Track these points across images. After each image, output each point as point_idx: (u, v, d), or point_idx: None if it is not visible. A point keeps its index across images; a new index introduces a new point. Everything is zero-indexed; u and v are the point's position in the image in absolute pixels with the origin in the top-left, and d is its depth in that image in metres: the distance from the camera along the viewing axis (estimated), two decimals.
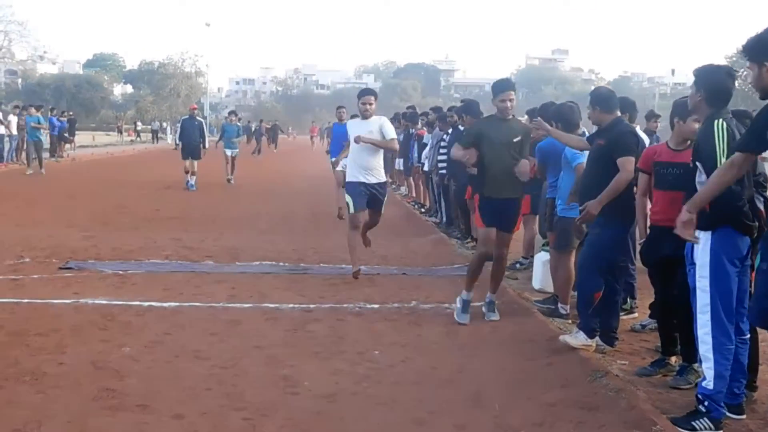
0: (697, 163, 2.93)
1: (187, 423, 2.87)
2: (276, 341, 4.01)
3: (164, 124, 44.31)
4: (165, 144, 35.29)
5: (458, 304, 4.57)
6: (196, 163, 12.62)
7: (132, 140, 38.77)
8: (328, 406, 3.10)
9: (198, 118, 13.50)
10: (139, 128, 42.82)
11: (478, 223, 4.64)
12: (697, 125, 3.46)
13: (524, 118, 7.54)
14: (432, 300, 5.08)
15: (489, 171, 4.50)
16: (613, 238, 4.03)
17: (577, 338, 3.98)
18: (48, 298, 4.81)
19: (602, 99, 4.13)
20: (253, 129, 30.97)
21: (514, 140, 4.44)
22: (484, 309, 4.61)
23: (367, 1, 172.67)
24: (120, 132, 41.32)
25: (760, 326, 2.88)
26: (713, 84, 2.96)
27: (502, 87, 4.50)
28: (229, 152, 13.98)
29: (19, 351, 3.69)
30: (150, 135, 40.77)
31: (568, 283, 4.69)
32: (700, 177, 2.91)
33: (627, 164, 3.90)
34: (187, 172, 12.72)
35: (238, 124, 15.49)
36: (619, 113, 4.20)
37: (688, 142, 3.58)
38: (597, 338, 4.07)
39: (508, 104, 4.44)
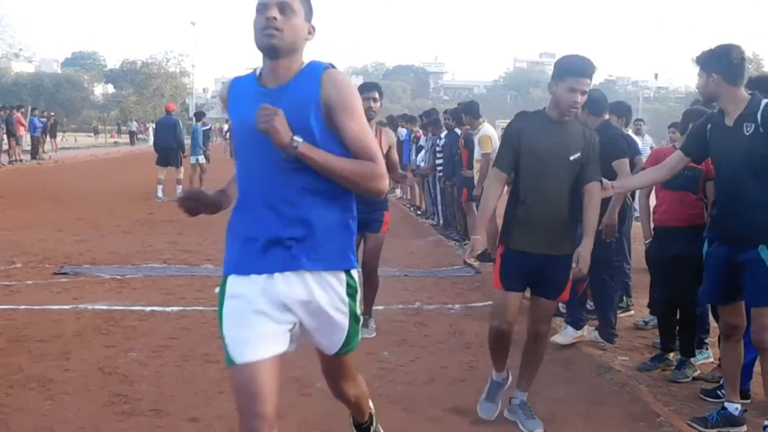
0: None
1: (204, 426, 2.87)
2: None
3: (148, 125, 43.21)
4: (145, 146, 34.14)
5: (485, 390, 3.06)
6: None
7: (116, 142, 38.15)
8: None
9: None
10: (134, 129, 39.33)
11: (495, 283, 2.90)
12: None
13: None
14: (435, 301, 5.13)
15: (522, 204, 2.80)
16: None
17: (565, 335, 4.08)
18: (46, 303, 4.74)
19: (593, 102, 4.08)
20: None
21: (571, 158, 2.75)
22: (510, 414, 2.99)
23: (355, 2, 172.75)
24: (96, 133, 39.99)
25: (707, 302, 3.09)
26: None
27: (576, 69, 2.72)
28: (194, 159, 12.37)
29: (22, 358, 3.64)
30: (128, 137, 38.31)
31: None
32: None
33: (623, 166, 3.99)
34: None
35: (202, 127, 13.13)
36: (607, 116, 4.25)
37: None
38: (585, 327, 4.16)
39: (579, 98, 2.70)
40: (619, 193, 3.83)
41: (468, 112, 7.19)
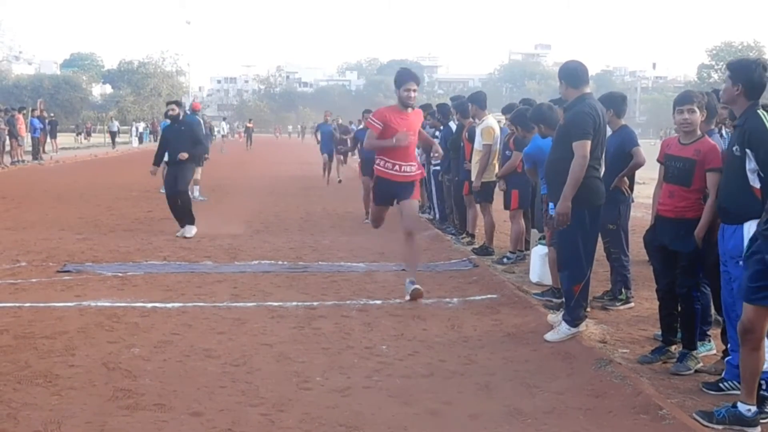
0: (747, 150, 2.97)
1: (206, 420, 2.91)
2: (284, 338, 4.06)
3: (139, 126, 41.88)
4: (130, 149, 32.22)
5: None
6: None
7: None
8: (342, 400, 3.17)
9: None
10: (114, 129, 35.06)
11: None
12: (680, 117, 3.57)
13: (502, 118, 7.56)
14: (433, 295, 5.16)
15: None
16: (577, 223, 3.90)
17: (558, 332, 4.03)
18: (50, 301, 4.79)
19: (568, 72, 3.95)
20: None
21: None
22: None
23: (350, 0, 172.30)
24: (89, 134, 38.90)
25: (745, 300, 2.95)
26: (751, 79, 3.04)
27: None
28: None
29: (29, 354, 3.69)
30: (109, 138, 33.54)
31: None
32: (750, 164, 2.97)
33: (580, 149, 3.77)
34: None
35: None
36: (587, 90, 3.99)
37: (698, 133, 3.63)
38: (583, 324, 4.07)
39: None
40: (572, 178, 3.77)
41: (475, 101, 7.04)
